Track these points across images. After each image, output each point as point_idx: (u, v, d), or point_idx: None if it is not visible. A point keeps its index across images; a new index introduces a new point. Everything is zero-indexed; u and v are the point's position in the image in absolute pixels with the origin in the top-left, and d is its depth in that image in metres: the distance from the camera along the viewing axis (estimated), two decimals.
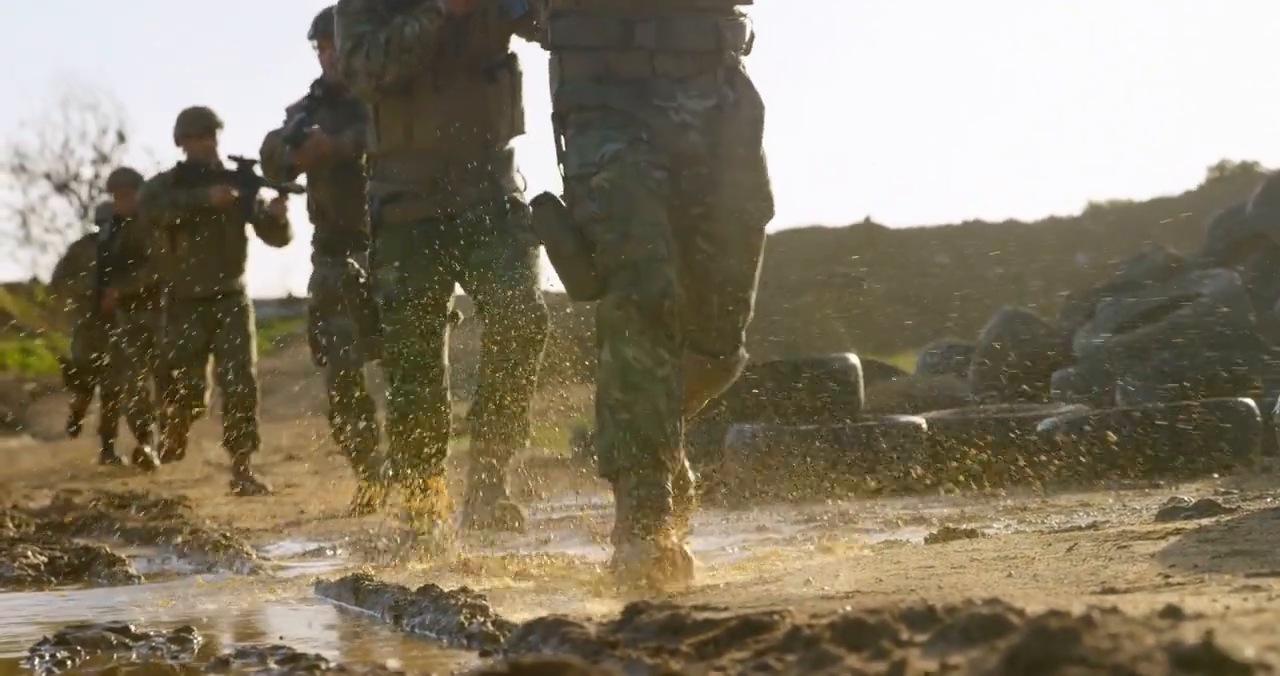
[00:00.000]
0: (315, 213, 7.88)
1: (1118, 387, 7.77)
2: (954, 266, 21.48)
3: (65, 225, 34.66)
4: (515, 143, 6.01)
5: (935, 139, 51.82)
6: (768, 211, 4.32)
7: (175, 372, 9.55)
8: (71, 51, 52.74)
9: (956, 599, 2.58)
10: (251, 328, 9.71)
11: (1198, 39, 52.93)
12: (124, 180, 11.89)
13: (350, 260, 6.09)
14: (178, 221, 9.46)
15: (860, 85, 51.26)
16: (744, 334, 4.39)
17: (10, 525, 6.84)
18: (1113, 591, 3.14)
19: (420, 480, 5.60)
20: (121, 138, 34.93)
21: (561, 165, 4.22)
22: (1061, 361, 8.71)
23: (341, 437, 7.66)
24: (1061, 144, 52.31)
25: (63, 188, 34.72)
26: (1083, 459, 6.38)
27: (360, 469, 7.45)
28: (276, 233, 9.42)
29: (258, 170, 9.09)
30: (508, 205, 5.86)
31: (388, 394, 5.81)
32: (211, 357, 9.63)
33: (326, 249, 7.79)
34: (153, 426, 11.19)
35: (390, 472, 5.99)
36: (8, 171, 34.86)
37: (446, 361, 5.83)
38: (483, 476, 5.75)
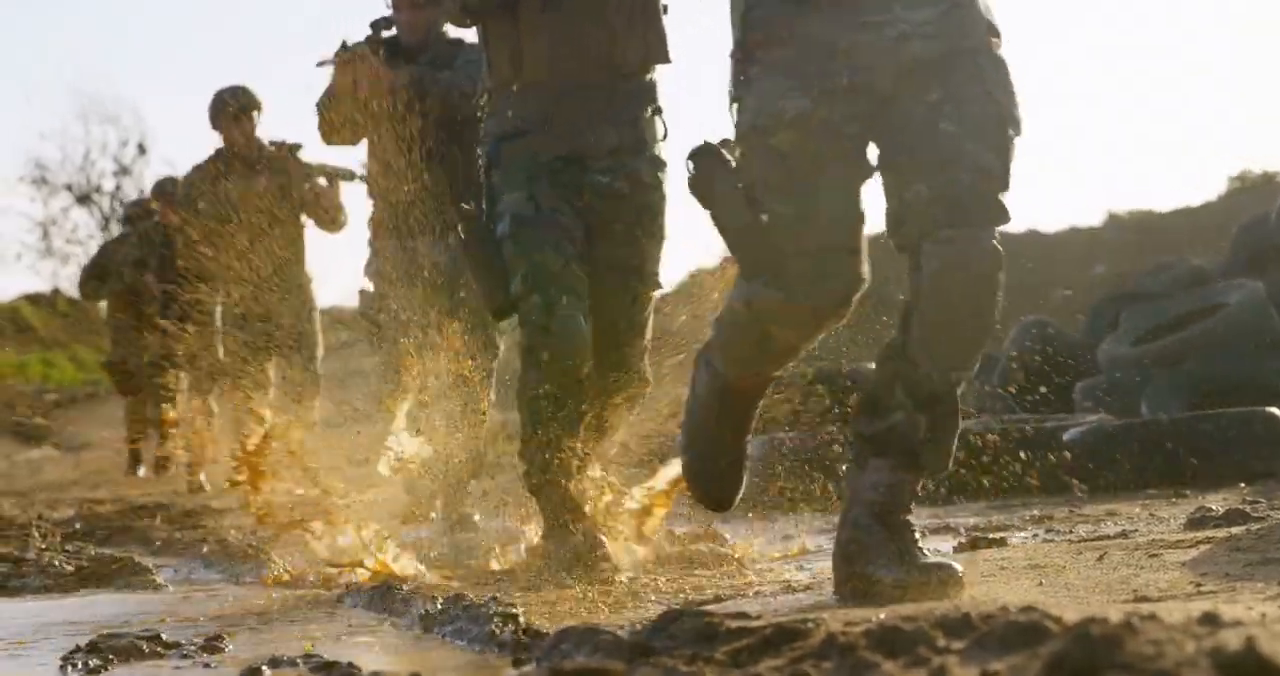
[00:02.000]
0: (376, 183, 6.96)
1: (1143, 397, 7.75)
2: None
3: (87, 237, 34.71)
4: (653, 75, 5.00)
5: None
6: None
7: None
8: (92, 64, 52.89)
9: (991, 606, 2.58)
10: (316, 321, 9.18)
11: (1219, 49, 52.89)
12: (168, 188, 11.20)
13: (463, 205, 5.39)
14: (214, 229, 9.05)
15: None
16: None
17: (36, 535, 6.85)
18: (1146, 599, 3.14)
19: (558, 438, 4.74)
20: (142, 149, 34.99)
21: (735, 108, 3.52)
22: (1085, 371, 8.69)
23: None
24: (1082, 154, 52.18)
25: (84, 200, 34.78)
26: (1109, 468, 6.37)
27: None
28: (329, 220, 8.82)
29: (304, 156, 8.72)
30: (647, 191, 4.97)
31: (521, 315, 4.83)
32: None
33: (388, 230, 6.84)
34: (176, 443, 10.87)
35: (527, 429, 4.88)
36: (29, 184, 34.89)
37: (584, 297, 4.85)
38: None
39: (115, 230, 33.35)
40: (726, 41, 3.57)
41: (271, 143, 8.79)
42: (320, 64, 6.65)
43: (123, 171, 34.96)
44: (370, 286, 6.82)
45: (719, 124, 3.68)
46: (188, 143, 43.45)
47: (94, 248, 34.50)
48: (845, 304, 3.51)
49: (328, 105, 6.62)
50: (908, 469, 3.48)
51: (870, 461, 3.47)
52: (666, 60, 4.95)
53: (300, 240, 9.07)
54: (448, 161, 6.55)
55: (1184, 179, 51.28)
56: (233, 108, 9.05)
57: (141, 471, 12.00)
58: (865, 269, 3.51)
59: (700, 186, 3.50)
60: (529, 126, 4.90)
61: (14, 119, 52.29)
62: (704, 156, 3.49)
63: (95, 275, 12.02)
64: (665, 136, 5.01)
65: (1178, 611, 2.63)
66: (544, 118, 4.89)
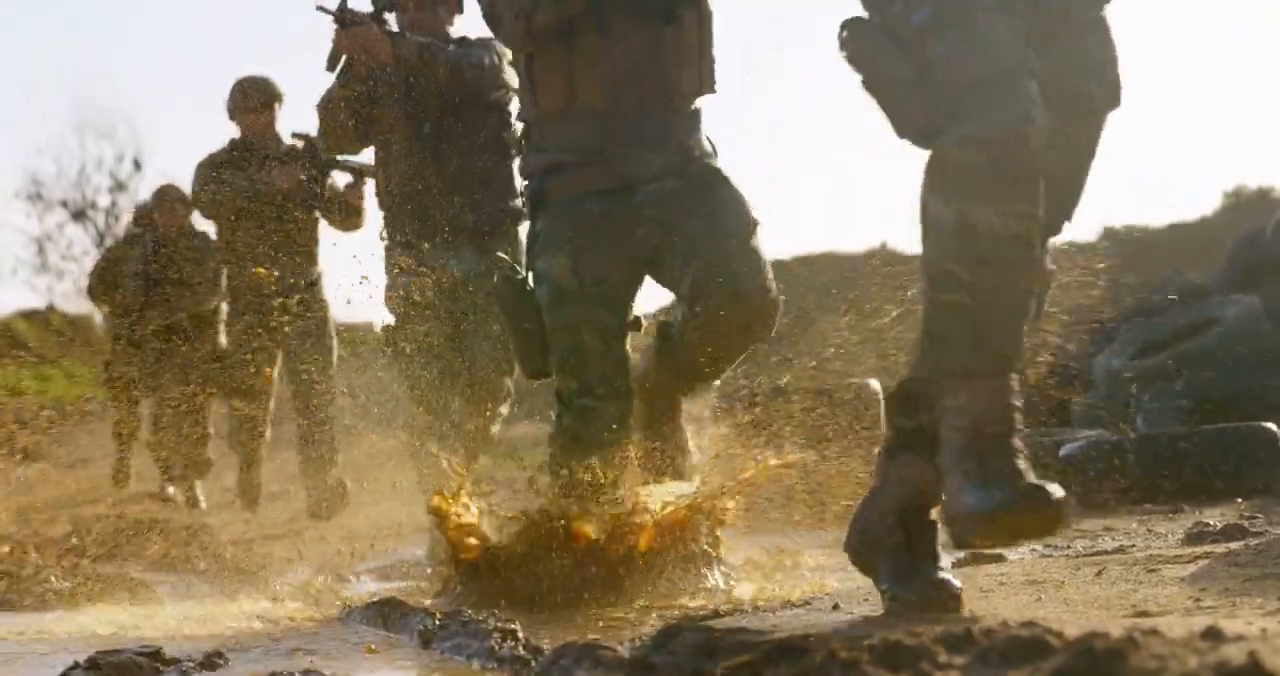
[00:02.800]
0: (386, 195, 6.35)
1: (1140, 412, 7.76)
2: None
3: (82, 253, 34.68)
4: (701, 103, 4.86)
5: None
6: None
7: (238, 376, 8.63)
8: (87, 78, 52.89)
9: (992, 621, 2.58)
10: (331, 325, 8.57)
11: (1213, 64, 52.98)
12: (173, 196, 10.66)
13: (500, 254, 5.44)
14: (237, 209, 8.34)
15: (875, 110, 51.21)
16: None
17: (33, 551, 6.84)
18: (1145, 614, 3.14)
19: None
20: (138, 165, 34.99)
21: None
22: (1081, 386, 8.71)
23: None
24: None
25: (79, 215, 34.76)
26: (1106, 483, 6.37)
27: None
28: (349, 220, 8.24)
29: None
30: (706, 174, 4.76)
31: (556, 416, 4.74)
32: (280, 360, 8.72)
33: (403, 244, 6.26)
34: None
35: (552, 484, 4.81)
36: (24, 199, 34.88)
37: (630, 380, 4.72)
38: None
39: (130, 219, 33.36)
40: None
41: (294, 135, 8.15)
42: (320, 8, 6.20)
43: (119, 187, 34.94)
44: (391, 320, 6.11)
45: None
46: (184, 159, 43.37)
47: (89, 264, 34.56)
48: (1024, 141, 3.10)
49: (328, 110, 6.29)
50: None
51: (899, 455, 3.43)
52: (713, 90, 4.83)
53: (314, 236, 8.64)
54: (441, 157, 6.21)
55: (1179, 194, 51.36)
56: (256, 100, 8.57)
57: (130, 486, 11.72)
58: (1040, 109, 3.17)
59: (855, 47, 3.32)
60: (578, 158, 4.71)
61: (9, 133, 52.26)
62: (855, 22, 3.34)
63: (104, 281, 11.44)
64: (715, 153, 4.84)
65: (1179, 626, 2.63)
66: (597, 148, 4.70)
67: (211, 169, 8.45)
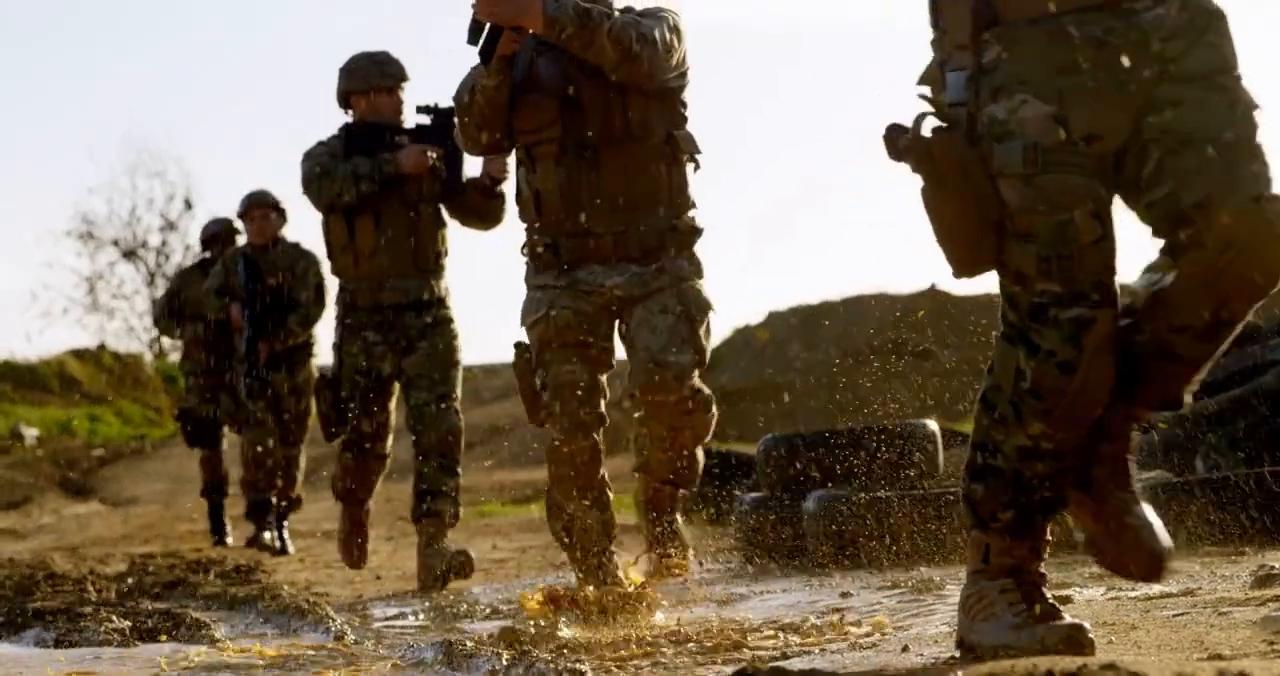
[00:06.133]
0: (533, 210, 5.19)
1: (1199, 454, 7.71)
2: None
3: (133, 292, 34.92)
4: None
5: None
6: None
7: (351, 407, 6.98)
8: (139, 118, 53.25)
9: (1072, 664, 2.56)
10: (458, 350, 7.12)
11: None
12: (265, 201, 9.57)
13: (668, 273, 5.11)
14: (355, 201, 6.86)
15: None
16: None
17: (91, 590, 6.87)
18: (1220, 658, 3.11)
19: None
20: (189, 205, 35.23)
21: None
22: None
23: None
24: (1125, 209, 51.98)
25: (130, 254, 35.01)
26: (1169, 525, 6.32)
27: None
28: (490, 205, 6.89)
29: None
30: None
31: (1010, 335, 4.33)
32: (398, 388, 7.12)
33: (546, 263, 5.18)
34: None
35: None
36: (75, 238, 35.12)
37: None
38: None
39: (161, 286, 33.59)
40: None
41: (419, 108, 6.84)
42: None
43: (169, 226, 35.19)
44: (526, 339, 5.21)
45: None
46: (234, 199, 43.72)
47: (140, 303, 34.83)
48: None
49: (468, 104, 5.12)
50: None
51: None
52: None
53: (442, 240, 7.14)
54: (601, 161, 5.10)
55: None
56: (381, 84, 7.00)
57: (229, 539, 10.47)
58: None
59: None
60: None
61: (62, 173, 52.68)
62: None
63: (171, 309, 10.70)
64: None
65: (1261, 670, 2.61)
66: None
67: (327, 156, 6.94)
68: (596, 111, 5.04)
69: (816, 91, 52.17)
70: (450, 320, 7.09)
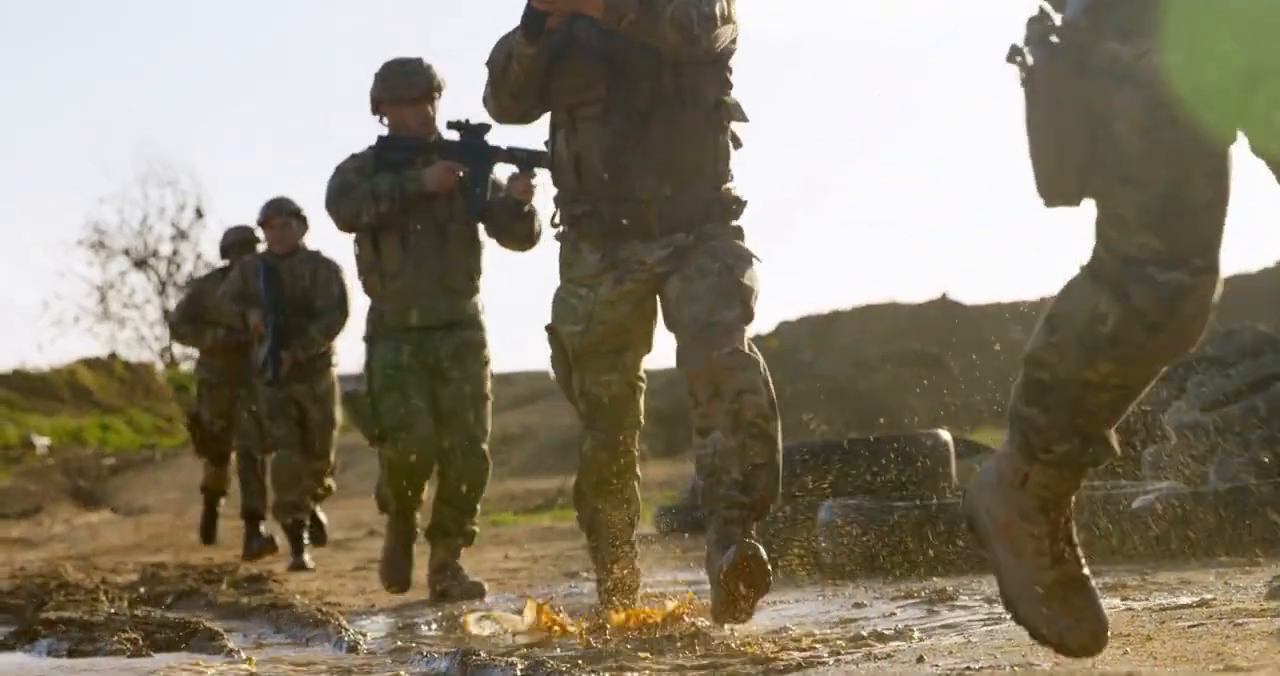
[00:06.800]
0: (572, 174, 5.02)
1: (1212, 465, 7.70)
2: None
3: (144, 301, 35.04)
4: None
5: (1012, 214, 51.70)
6: None
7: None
8: (151, 128, 53.30)
9: (1090, 674, 2.55)
10: (487, 375, 6.88)
11: None
12: (286, 208, 9.33)
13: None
14: (375, 221, 6.61)
15: (936, 160, 51.27)
16: None
17: (104, 599, 6.87)
18: (1237, 670, 3.10)
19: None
20: (200, 214, 35.32)
21: None
22: (1150, 438, 8.64)
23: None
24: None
25: (141, 264, 35.12)
26: (1180, 536, 6.31)
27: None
28: (519, 226, 6.59)
29: (491, 140, 6.45)
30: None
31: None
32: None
33: (584, 233, 5.03)
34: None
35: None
36: (87, 247, 35.21)
37: None
38: None
39: (173, 295, 33.66)
40: None
41: (451, 124, 6.50)
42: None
43: (180, 236, 35.30)
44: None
45: None
46: (245, 209, 43.72)
47: (151, 312, 34.90)
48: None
49: (503, 72, 4.97)
50: None
51: None
52: None
53: (476, 258, 6.87)
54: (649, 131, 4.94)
55: (1242, 244, 51.05)
56: (411, 93, 6.70)
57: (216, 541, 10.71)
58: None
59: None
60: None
61: (73, 183, 52.81)
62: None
63: (189, 317, 10.44)
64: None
65: None
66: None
67: (353, 173, 6.70)
68: (646, 74, 4.87)
69: (816, 92, 52.22)
70: (482, 345, 6.82)
